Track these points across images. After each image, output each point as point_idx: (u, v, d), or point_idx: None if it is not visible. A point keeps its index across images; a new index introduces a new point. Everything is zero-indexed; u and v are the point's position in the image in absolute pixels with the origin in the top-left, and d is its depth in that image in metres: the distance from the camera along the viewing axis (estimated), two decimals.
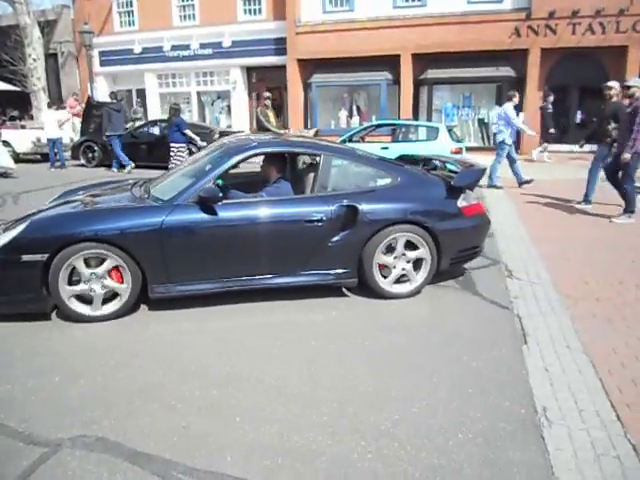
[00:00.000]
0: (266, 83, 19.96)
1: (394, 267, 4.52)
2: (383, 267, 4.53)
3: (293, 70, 18.12)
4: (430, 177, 4.98)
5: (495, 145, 11.16)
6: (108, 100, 17.16)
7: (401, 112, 17.31)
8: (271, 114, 10.53)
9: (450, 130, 12.01)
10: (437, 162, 5.59)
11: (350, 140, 12.30)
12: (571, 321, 4.07)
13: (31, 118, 20.20)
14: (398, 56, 17.06)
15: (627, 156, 7.02)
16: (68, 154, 15.55)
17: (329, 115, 18.68)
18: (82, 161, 14.74)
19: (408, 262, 4.54)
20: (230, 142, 5.07)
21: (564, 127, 17.43)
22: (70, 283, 3.99)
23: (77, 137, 16.03)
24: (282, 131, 10.63)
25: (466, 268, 5.30)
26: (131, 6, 20.41)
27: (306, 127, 18.07)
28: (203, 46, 19.29)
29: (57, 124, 14.71)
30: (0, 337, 3.87)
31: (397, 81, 17.45)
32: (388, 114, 17.46)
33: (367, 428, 2.74)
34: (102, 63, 20.98)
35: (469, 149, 13.68)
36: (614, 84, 8.13)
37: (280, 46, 18.26)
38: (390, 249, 4.50)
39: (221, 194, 4.22)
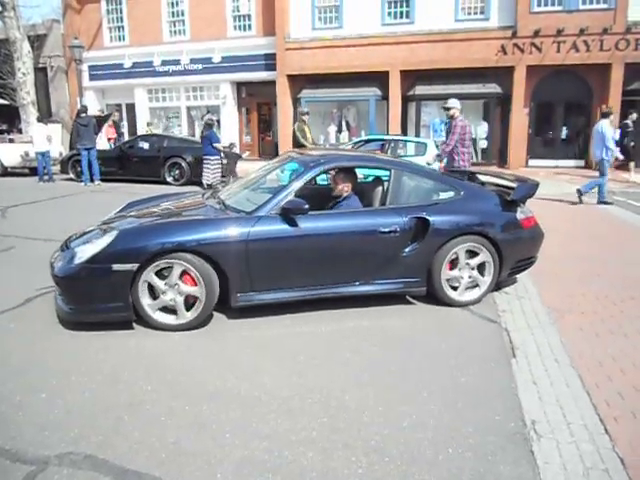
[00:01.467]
0: (256, 98, 20.11)
1: (462, 277, 4.75)
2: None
3: (283, 85, 18.25)
4: (488, 191, 5.22)
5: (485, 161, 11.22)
6: (100, 114, 17.19)
7: (390, 127, 17.48)
8: (307, 130, 10.42)
9: (438, 146, 12.12)
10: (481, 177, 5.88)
11: None
12: (558, 334, 4.11)
13: (20, 132, 20.12)
14: (387, 72, 17.26)
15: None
16: (57, 168, 15.51)
17: (318, 130, 18.77)
18: (71, 175, 14.68)
19: (473, 269, 4.76)
20: (300, 155, 5.29)
21: (549, 142, 17.70)
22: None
23: (66, 151, 15.98)
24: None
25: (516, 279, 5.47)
26: (121, 21, 20.49)
27: (337, 140, 18.04)
28: (193, 61, 19.39)
29: (46, 138, 14.70)
30: None
31: (386, 97, 17.64)
32: (377, 129, 17.62)
33: (357, 443, 2.73)
34: (92, 77, 20.99)
35: None
36: (455, 102, 8.57)
37: (270, 62, 18.40)
38: (454, 263, 4.71)
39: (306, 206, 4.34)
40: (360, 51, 17.16)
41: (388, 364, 3.64)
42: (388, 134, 16.33)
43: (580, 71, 16.51)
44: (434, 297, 4.79)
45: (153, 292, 4.15)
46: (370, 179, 5.71)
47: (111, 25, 20.73)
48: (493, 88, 16.88)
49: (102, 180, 13.86)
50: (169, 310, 4.21)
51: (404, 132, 17.41)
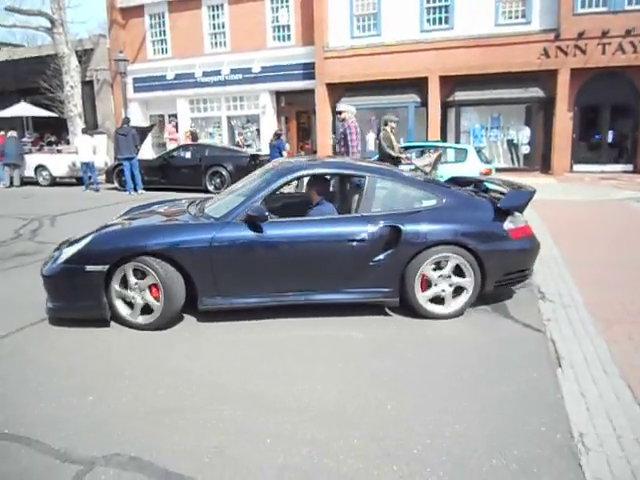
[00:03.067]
0: (295, 107, 20.29)
1: (435, 285, 4.54)
2: (424, 287, 4.55)
3: (322, 94, 18.35)
4: (477, 199, 4.96)
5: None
6: (145, 125, 17.66)
7: (429, 134, 17.34)
8: (394, 138, 10.37)
9: (479, 151, 11.98)
10: (489, 184, 5.57)
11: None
12: (606, 344, 3.97)
13: (67, 143, 20.85)
14: (425, 78, 17.15)
15: None
16: (103, 178, 16.00)
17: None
18: (115, 184, 15.12)
19: (450, 285, 4.55)
20: (280, 164, 5.28)
21: (595, 147, 17.21)
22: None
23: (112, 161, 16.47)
24: (403, 156, 10.51)
25: (514, 291, 5.25)
26: (164, 35, 21.04)
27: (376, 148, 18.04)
28: (233, 72, 19.71)
29: (91, 149, 15.22)
30: (34, 357, 3.97)
31: (425, 103, 17.52)
32: (416, 136, 17.50)
33: (398, 452, 2.70)
34: (136, 89, 21.59)
35: (499, 170, 13.58)
36: (347, 107, 9.07)
37: (308, 71, 18.55)
38: (438, 267, 4.54)
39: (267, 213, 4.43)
40: (398, 58, 17.11)
41: (426, 372, 3.59)
42: (427, 141, 16.20)
43: (627, 73, 16.02)
44: (408, 308, 4.61)
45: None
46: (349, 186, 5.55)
47: (154, 38, 21.31)
48: (535, 92, 16.55)
49: (145, 189, 14.22)
50: (143, 310, 4.41)
51: (443, 138, 17.24)
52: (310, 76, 18.53)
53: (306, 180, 5.33)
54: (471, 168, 10.60)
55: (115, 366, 3.76)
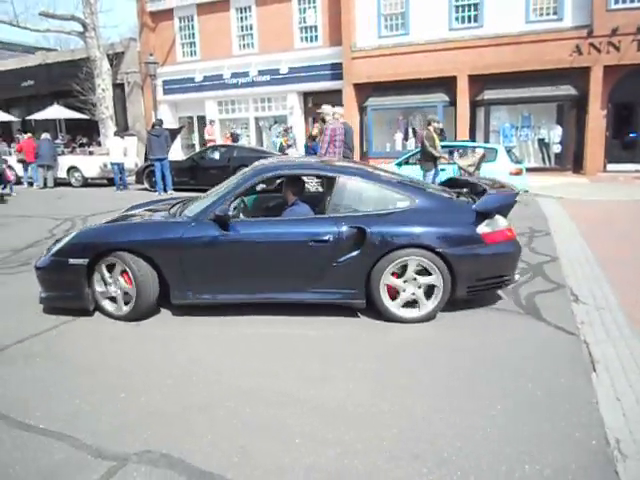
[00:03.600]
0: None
1: (404, 290, 4.46)
2: (392, 290, 4.47)
3: (349, 94, 18.32)
4: (452, 201, 4.82)
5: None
6: (175, 126, 17.93)
7: (458, 134, 17.14)
8: (437, 138, 10.39)
9: (509, 151, 11.80)
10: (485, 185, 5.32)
11: (406, 162, 12.30)
12: None
13: (99, 145, 21.28)
14: (454, 78, 16.98)
15: None
16: (133, 178, 16.28)
17: (384, 138, 18.71)
18: (145, 185, 15.35)
19: (419, 287, 4.45)
20: (256, 164, 5.34)
21: (629, 145, 16.78)
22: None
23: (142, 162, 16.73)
24: (445, 155, 10.54)
25: (501, 296, 5.15)
26: (193, 37, 21.28)
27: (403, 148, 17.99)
28: (261, 73, 19.83)
29: (122, 150, 15.52)
30: (66, 355, 4.05)
31: (453, 102, 17.34)
32: (444, 136, 17.32)
33: (428, 454, 2.67)
34: (165, 92, 21.89)
35: (529, 170, 13.36)
36: (326, 108, 9.38)
37: (336, 71, 18.54)
38: (402, 272, 4.44)
39: (232, 213, 4.72)
40: (427, 57, 16.97)
41: (456, 373, 3.54)
42: (456, 140, 16.02)
43: None
44: (375, 310, 4.54)
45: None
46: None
47: (184, 41, 21.57)
48: (567, 90, 16.21)
49: (175, 190, 14.41)
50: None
51: (472, 138, 17.03)
52: (337, 76, 18.52)
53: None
54: (501, 168, 10.46)
55: (146, 364, 3.81)
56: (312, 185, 6.63)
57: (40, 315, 4.88)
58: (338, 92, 18.55)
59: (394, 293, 4.48)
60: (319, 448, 2.74)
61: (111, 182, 16.62)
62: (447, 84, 17.21)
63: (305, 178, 5.64)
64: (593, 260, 6.33)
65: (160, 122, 15.13)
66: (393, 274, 4.44)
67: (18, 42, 34.46)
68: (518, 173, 11.27)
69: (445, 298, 4.46)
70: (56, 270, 4.73)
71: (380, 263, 4.37)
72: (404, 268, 4.42)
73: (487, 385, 3.39)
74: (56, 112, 22.89)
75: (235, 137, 18.64)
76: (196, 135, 22.52)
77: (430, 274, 4.40)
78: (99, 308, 4.77)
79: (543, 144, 17.31)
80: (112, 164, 15.79)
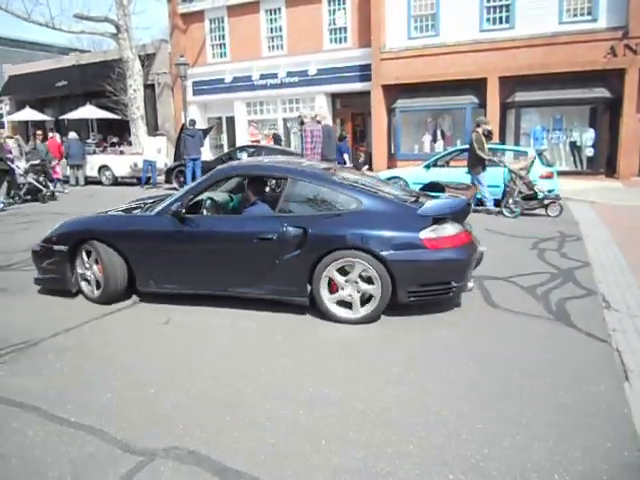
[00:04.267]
0: (350, 109, 20.29)
1: (342, 289, 4.51)
2: (334, 285, 4.55)
3: (377, 96, 18.27)
4: (400, 205, 4.75)
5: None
6: (204, 127, 18.15)
7: None
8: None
9: (540, 154, 11.60)
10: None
11: (435, 165, 12.20)
12: None
13: (129, 144, 21.64)
14: (484, 79, 16.78)
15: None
16: (162, 178, 16.53)
17: (412, 140, 18.60)
18: (174, 184, 15.55)
19: (358, 292, 4.48)
20: (221, 166, 5.66)
21: None
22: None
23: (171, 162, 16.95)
24: (495, 159, 10.52)
25: (530, 301, 5.05)
26: (223, 39, 21.48)
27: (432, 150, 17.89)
28: (290, 74, 19.91)
29: (155, 149, 15.82)
30: (98, 349, 4.13)
31: (483, 105, 17.14)
32: None
33: (455, 460, 2.65)
34: (195, 92, 22.14)
35: (561, 173, 13.11)
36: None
37: (364, 72, 18.50)
38: (345, 272, 4.50)
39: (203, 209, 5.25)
40: (457, 58, 16.81)
41: (484, 379, 3.50)
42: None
43: None
44: (316, 309, 4.64)
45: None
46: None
47: (214, 43, 21.79)
48: (601, 92, 15.87)
49: None
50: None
51: (502, 140, 16.79)
52: (366, 78, 18.48)
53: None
54: (532, 171, 10.28)
55: (175, 362, 3.86)
56: (274, 186, 7.13)
57: (73, 310, 5.00)
58: (366, 94, 18.51)
59: (335, 289, 4.55)
60: (346, 449, 2.74)
61: (140, 181, 16.89)
62: (477, 86, 17.03)
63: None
64: (626, 267, 6.19)
65: (193, 122, 15.37)
66: (339, 270, 4.51)
67: (53, 43, 35.28)
68: (549, 176, 11.07)
69: (385, 301, 4.47)
70: (44, 255, 5.33)
71: (321, 263, 4.48)
72: (348, 269, 4.48)
73: (516, 391, 3.34)
74: (88, 112, 23.36)
75: (277, 138, 18.72)
76: (225, 135, 22.72)
77: (372, 283, 4.42)
78: (81, 290, 5.32)
79: (575, 147, 16.97)
80: (144, 161, 16.08)
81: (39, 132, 17.08)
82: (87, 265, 5.17)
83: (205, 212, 5.39)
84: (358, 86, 18.85)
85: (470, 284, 4.75)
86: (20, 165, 13.81)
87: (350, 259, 4.42)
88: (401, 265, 4.38)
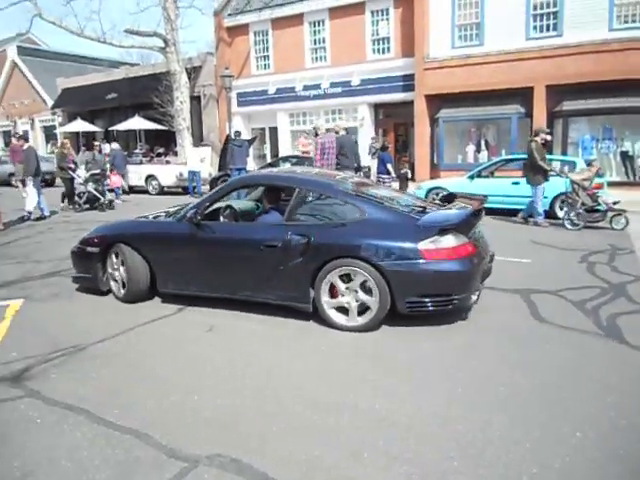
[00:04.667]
0: (393, 119, 20.23)
1: (342, 295, 4.59)
2: (335, 291, 4.64)
3: (420, 105, 18.14)
4: (402, 216, 4.75)
5: None
6: (248, 137, 18.45)
7: None
8: (544, 151, 10.28)
9: (589, 164, 11.25)
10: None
11: (479, 175, 12.02)
12: None
13: (175, 155, 22.14)
14: (530, 88, 16.44)
15: None
16: (207, 188, 16.82)
17: (456, 150, 18.37)
18: None
19: (357, 301, 4.54)
20: (239, 177, 6.16)
21: None
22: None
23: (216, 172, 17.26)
24: (556, 168, 10.42)
25: (579, 316, 4.86)
26: (267, 51, 21.80)
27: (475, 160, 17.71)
28: (333, 85, 20.00)
29: (199, 159, 16.15)
30: (143, 355, 4.20)
31: (529, 114, 16.78)
32: (519, 148, 16.78)
33: None
34: (239, 104, 22.50)
35: (611, 184, 12.70)
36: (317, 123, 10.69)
37: (407, 82, 18.42)
38: (349, 279, 4.56)
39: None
40: (502, 67, 16.54)
41: (535, 397, 3.39)
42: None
43: None
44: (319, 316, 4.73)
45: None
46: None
47: (258, 55, 22.13)
48: None
49: None
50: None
51: (549, 151, 16.37)
52: (409, 88, 18.39)
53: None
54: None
55: (219, 370, 3.90)
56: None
57: (119, 317, 5.12)
58: (409, 103, 18.42)
59: (336, 295, 4.64)
60: (391, 464, 2.69)
61: (185, 190, 17.24)
62: (523, 95, 16.69)
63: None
64: None
65: (239, 133, 15.66)
66: (340, 278, 4.58)
67: (104, 57, 36.59)
68: (598, 187, 10.72)
69: (384, 310, 4.49)
70: (80, 256, 5.85)
71: (322, 271, 4.59)
72: (347, 277, 4.55)
73: (566, 411, 3.22)
74: (137, 123, 24.07)
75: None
76: (268, 146, 22.98)
77: (369, 290, 4.46)
78: (111, 289, 5.70)
79: (627, 157, 16.38)
80: (189, 172, 16.43)
81: (96, 143, 17.71)
82: (115, 266, 5.53)
83: (222, 219, 5.66)
84: (401, 96, 18.78)
85: (474, 297, 4.69)
86: (80, 174, 14.32)
87: (349, 267, 4.51)
88: (399, 275, 4.41)
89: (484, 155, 17.71)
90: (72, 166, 14.11)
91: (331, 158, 10.39)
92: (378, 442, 2.89)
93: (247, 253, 4.94)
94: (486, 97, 16.96)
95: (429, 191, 12.43)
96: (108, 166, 16.13)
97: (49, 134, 31.17)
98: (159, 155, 22.35)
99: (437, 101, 18.06)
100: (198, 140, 21.74)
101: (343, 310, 4.65)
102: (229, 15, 22.16)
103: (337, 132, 11.12)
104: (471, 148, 18.06)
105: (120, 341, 4.50)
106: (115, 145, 18.57)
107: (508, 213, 11.19)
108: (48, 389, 3.61)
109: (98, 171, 14.69)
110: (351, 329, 4.58)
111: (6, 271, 7.07)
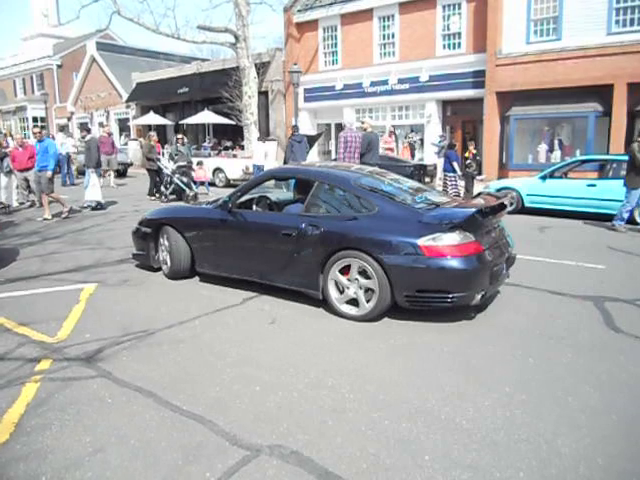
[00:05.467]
0: (461, 116, 19.78)
1: (347, 288, 4.82)
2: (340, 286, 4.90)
3: (491, 102, 17.63)
4: (408, 212, 4.82)
5: None
6: (314, 133, 18.57)
7: (611, 147, 15.76)
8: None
9: None
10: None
11: (551, 176, 11.56)
12: None
13: (242, 148, 22.56)
14: (610, 86, 15.62)
15: None
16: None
17: (526, 149, 17.73)
18: None
19: (361, 288, 4.73)
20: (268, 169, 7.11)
21: None
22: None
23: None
24: None
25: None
26: (335, 47, 21.80)
27: (501, 161, 17.26)
28: (400, 81, 19.76)
29: (264, 154, 16.40)
30: (209, 343, 4.31)
31: (608, 112, 15.97)
32: (596, 149, 16.02)
33: None
34: (306, 99, 22.64)
35: None
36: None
37: (478, 79, 17.94)
38: (348, 272, 4.78)
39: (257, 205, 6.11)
40: (580, 63, 15.80)
41: (609, 411, 3.22)
42: (609, 154, 14.76)
43: None
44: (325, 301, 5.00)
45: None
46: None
47: (326, 51, 22.17)
48: None
49: None
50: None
51: (627, 152, 15.52)
52: (479, 85, 17.91)
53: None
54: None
55: (283, 360, 3.94)
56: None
57: (186, 304, 5.27)
58: (479, 101, 17.94)
59: (342, 289, 4.89)
60: (450, 469, 2.64)
61: None
62: (601, 92, 15.90)
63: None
64: None
65: (298, 128, 15.75)
66: (344, 273, 4.82)
67: (176, 53, 37.74)
68: None
69: (384, 303, 4.64)
70: (137, 235, 6.56)
71: (330, 260, 4.85)
72: (349, 268, 4.77)
73: (635, 423, 3.04)
74: (206, 117, 24.69)
75: (413, 147, 18.65)
76: (333, 142, 23.02)
77: (369, 278, 4.64)
78: (160, 266, 6.37)
79: None
80: (254, 166, 16.72)
81: (180, 136, 18.45)
82: (163, 246, 6.20)
83: (255, 208, 6.10)
84: (470, 93, 18.32)
85: (478, 297, 4.58)
86: (168, 166, 14.80)
87: (351, 259, 4.74)
88: (397, 269, 4.54)
89: (557, 155, 17.02)
90: (160, 157, 14.52)
91: (354, 153, 10.77)
92: (437, 445, 2.84)
93: (269, 240, 5.32)
94: (561, 94, 16.27)
95: (497, 191, 12.06)
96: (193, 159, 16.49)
97: (123, 126, 32.53)
98: (226, 149, 22.83)
99: (508, 98, 17.50)
100: (265, 135, 22.04)
101: (351, 301, 4.85)
102: (299, 11, 22.31)
103: (365, 129, 11.52)
104: (543, 147, 17.38)
105: (187, 328, 4.63)
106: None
107: (581, 216, 10.71)
108: (119, 370, 3.77)
109: (184, 163, 15.05)
110: (359, 318, 4.76)
111: (81, 257, 7.44)
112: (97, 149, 13.00)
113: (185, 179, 14.67)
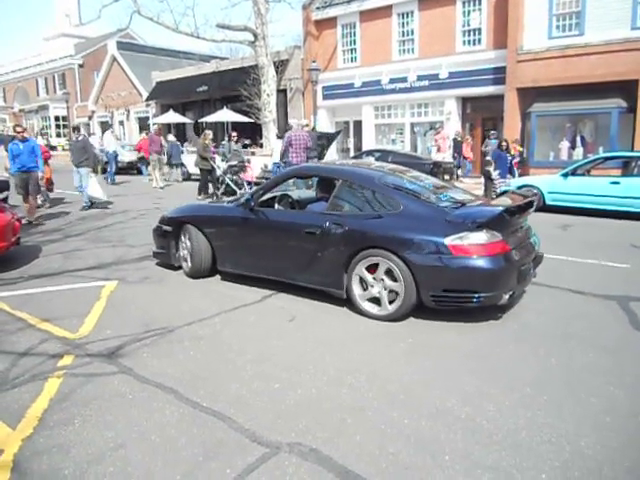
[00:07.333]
0: (481, 113, 19.58)
1: (372, 286, 4.76)
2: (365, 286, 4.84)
3: (512, 99, 17.42)
4: (434, 210, 4.77)
5: None
6: (332, 131, 18.55)
7: (636, 143, 15.47)
8: None
9: None
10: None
11: (574, 173, 11.39)
12: None
13: (260, 146, 22.62)
14: (634, 81, 15.33)
15: None
16: None
17: (548, 146, 17.49)
18: None
19: (385, 289, 4.66)
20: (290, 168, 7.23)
21: None
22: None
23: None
24: None
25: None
26: (354, 44, 21.73)
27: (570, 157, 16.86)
28: (420, 78, 19.62)
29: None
30: (229, 340, 4.32)
31: (632, 109, 15.67)
32: (619, 145, 15.73)
33: None
34: (324, 97, 22.61)
35: None
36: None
37: (498, 75, 17.73)
38: (375, 270, 4.71)
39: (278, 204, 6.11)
40: (604, 59, 15.53)
41: (635, 412, 3.16)
42: (633, 151, 14.48)
43: None
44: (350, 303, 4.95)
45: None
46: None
47: (345, 48, 22.11)
48: None
49: None
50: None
51: None
52: (499, 81, 17.70)
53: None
54: None
55: (302, 358, 3.94)
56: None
57: (205, 302, 5.31)
58: (499, 97, 17.73)
59: (366, 287, 4.83)
60: (471, 469, 2.61)
61: None
62: (625, 88, 15.60)
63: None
64: None
65: (307, 125, 15.82)
66: (370, 270, 4.74)
67: (195, 51, 37.97)
68: None
69: (409, 304, 4.58)
70: (157, 233, 6.55)
71: (355, 259, 4.79)
72: (377, 266, 4.69)
73: None
74: (225, 115, 24.79)
75: (458, 144, 18.42)
76: (351, 139, 22.97)
77: (395, 280, 4.57)
78: (181, 265, 6.33)
79: None
80: (273, 164, 16.74)
81: (234, 134, 18.52)
82: (184, 244, 6.17)
83: (277, 206, 6.10)
84: (490, 89, 18.13)
85: (506, 296, 4.52)
86: (220, 166, 14.80)
87: (379, 258, 4.64)
88: (423, 268, 4.48)
89: (579, 152, 16.76)
90: (214, 156, 14.55)
91: (301, 152, 11.57)
92: (458, 445, 2.81)
93: (291, 238, 5.29)
94: (584, 90, 16.00)
95: (518, 189, 11.92)
96: (245, 158, 16.44)
97: (143, 125, 32.86)
98: (245, 147, 22.92)
99: (530, 94, 17.26)
100: (283, 132, 22.06)
101: (375, 300, 4.80)
102: (317, 8, 22.27)
103: (313, 129, 12.63)
104: (565, 144, 17.12)
105: (206, 325, 4.66)
106: (171, 137, 20.78)
107: (603, 214, 10.54)
108: (140, 367, 3.80)
109: (235, 162, 14.96)
110: (382, 318, 4.70)
111: (102, 254, 7.53)
112: (91, 148, 13.08)
113: (238, 179, 14.50)
